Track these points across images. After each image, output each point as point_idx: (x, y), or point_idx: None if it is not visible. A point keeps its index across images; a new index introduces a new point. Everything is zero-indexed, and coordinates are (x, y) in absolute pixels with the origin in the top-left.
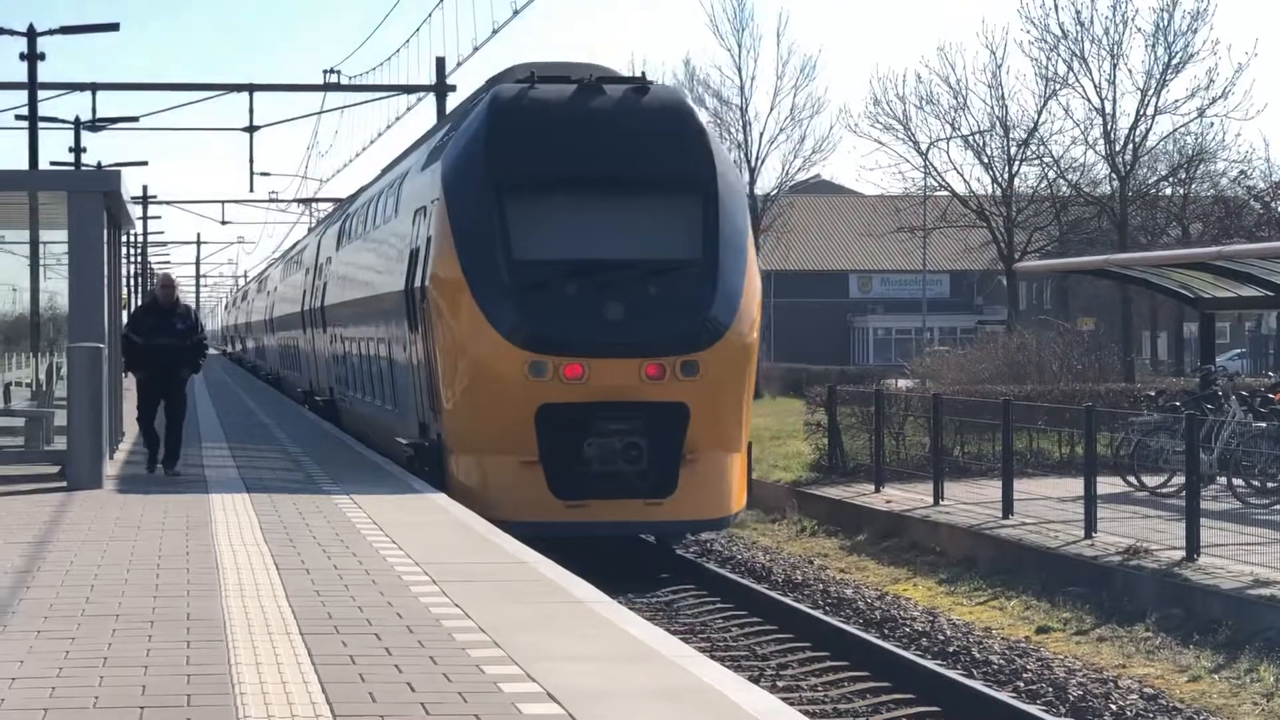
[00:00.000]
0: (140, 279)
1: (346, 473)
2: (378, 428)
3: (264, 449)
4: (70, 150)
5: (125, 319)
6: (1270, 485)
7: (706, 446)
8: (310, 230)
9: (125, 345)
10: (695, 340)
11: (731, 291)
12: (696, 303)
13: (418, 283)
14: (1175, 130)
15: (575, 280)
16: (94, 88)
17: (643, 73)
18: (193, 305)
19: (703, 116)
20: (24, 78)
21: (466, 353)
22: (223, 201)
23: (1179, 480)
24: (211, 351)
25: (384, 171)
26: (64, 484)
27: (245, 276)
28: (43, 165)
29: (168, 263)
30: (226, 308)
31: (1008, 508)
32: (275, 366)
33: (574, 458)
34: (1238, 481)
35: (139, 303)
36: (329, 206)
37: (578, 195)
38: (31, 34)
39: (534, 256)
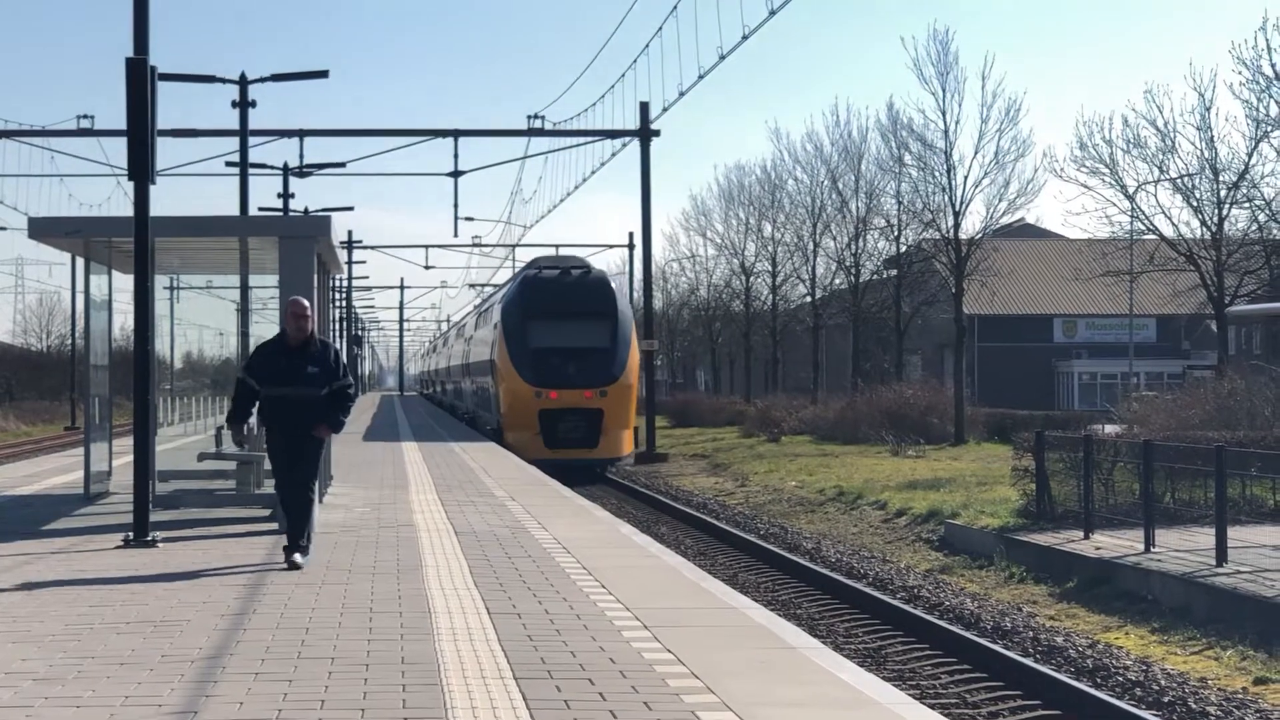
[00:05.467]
0: (345, 323)
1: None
2: (484, 423)
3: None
4: (278, 195)
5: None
6: None
7: (611, 427)
8: (473, 309)
9: (238, 391)
10: (605, 382)
11: (621, 360)
12: (606, 365)
13: (491, 356)
14: None
15: (556, 356)
16: (301, 134)
17: (586, 261)
18: (333, 341)
19: (618, 283)
20: (234, 124)
21: (509, 388)
22: (426, 246)
23: None
24: (409, 393)
25: (496, 289)
26: (275, 527)
27: (448, 321)
28: (250, 211)
29: (371, 308)
30: (420, 357)
31: (1221, 555)
32: (451, 399)
33: (554, 431)
34: None
35: (340, 345)
36: (527, 257)
37: (558, 319)
38: (243, 81)
39: (538, 346)
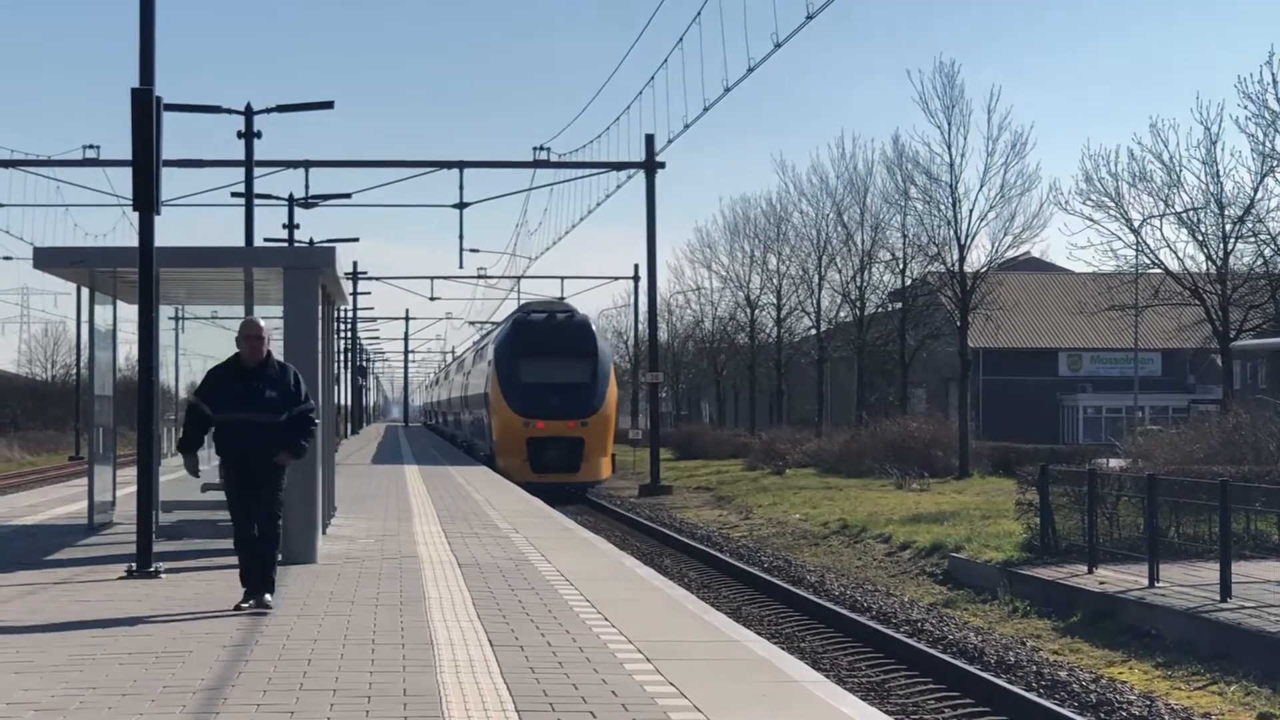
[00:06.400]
0: (350, 354)
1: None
2: (479, 450)
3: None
4: (283, 226)
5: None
6: None
7: (592, 454)
8: (471, 344)
9: (190, 417)
10: (586, 413)
11: (601, 393)
12: (587, 399)
13: (485, 390)
14: None
15: (542, 390)
16: (307, 165)
17: (571, 306)
18: (291, 364)
19: (601, 327)
20: (240, 155)
21: (501, 418)
22: (431, 278)
23: None
24: (413, 424)
25: (492, 328)
26: (279, 559)
27: (452, 353)
28: (256, 242)
29: (376, 339)
30: (424, 389)
31: (1226, 590)
32: (451, 429)
33: (540, 457)
34: None
35: (349, 378)
36: (532, 289)
37: (545, 357)
38: (248, 112)
39: (527, 381)
